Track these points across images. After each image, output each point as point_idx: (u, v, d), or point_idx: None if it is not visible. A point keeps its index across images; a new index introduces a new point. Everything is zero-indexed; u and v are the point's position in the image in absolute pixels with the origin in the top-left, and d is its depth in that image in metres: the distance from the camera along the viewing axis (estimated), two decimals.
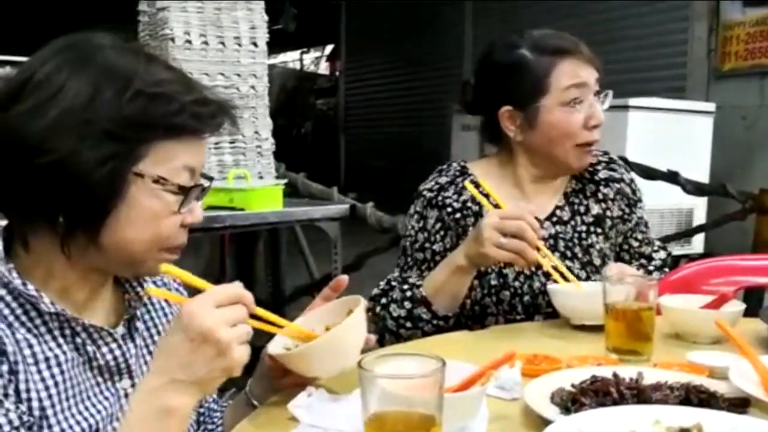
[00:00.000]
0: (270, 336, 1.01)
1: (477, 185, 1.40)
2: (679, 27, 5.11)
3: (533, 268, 1.46)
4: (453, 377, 0.91)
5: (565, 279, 1.37)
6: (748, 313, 1.30)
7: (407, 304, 1.41)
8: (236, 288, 0.84)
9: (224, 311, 0.81)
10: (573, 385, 0.95)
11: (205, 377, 0.81)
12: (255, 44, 2.78)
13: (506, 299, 1.47)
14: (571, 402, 0.91)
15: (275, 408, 0.98)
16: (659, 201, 4.10)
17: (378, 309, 1.45)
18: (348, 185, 7.62)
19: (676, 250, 4.16)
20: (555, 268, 1.37)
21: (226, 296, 0.82)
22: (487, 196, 1.36)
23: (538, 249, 1.31)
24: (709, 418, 0.79)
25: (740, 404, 0.89)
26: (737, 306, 1.28)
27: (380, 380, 0.75)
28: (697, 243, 4.39)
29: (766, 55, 4.51)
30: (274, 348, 1.01)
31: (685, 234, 4.10)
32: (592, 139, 1.46)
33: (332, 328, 0.97)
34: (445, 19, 7.67)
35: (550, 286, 1.37)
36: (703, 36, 4.94)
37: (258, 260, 3.55)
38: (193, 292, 0.86)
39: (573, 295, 1.35)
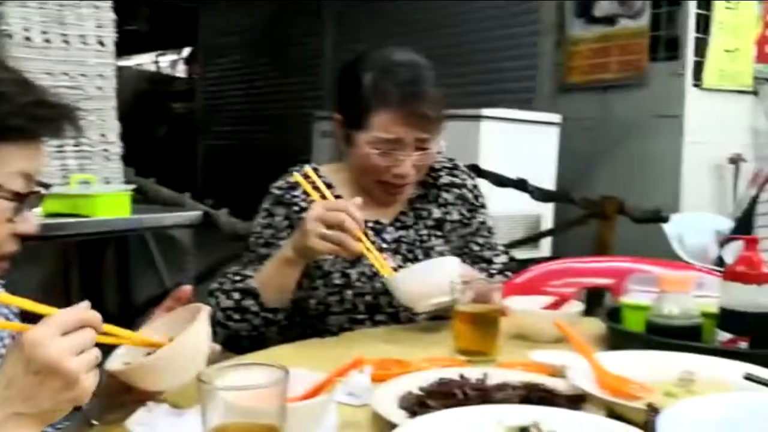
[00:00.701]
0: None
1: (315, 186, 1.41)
2: (528, 41, 5.34)
3: (374, 269, 1.48)
4: (301, 386, 0.90)
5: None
6: (590, 313, 1.37)
7: (236, 295, 1.40)
8: (82, 310, 0.78)
9: (70, 338, 0.75)
10: (420, 388, 0.96)
11: (51, 409, 0.75)
12: (102, 43, 2.65)
13: (349, 298, 1.48)
14: (418, 405, 0.91)
15: (114, 427, 0.92)
16: (509, 207, 4.27)
17: (212, 302, 1.42)
18: (206, 191, 7.42)
19: (526, 254, 4.34)
20: (376, 260, 1.38)
21: (71, 321, 0.76)
22: (318, 190, 1.38)
23: (363, 242, 1.32)
24: (547, 415, 0.82)
25: (577, 400, 0.93)
26: (576, 306, 1.35)
27: (221, 393, 0.72)
28: (545, 247, 4.61)
29: (606, 70, 4.80)
30: (112, 364, 0.95)
31: (534, 239, 4.29)
32: (396, 183, 1.49)
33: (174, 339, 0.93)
34: (305, 26, 7.65)
35: (386, 278, 1.38)
36: (550, 50, 5.19)
37: (106, 271, 3.37)
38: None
39: (411, 278, 1.34)
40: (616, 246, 3.62)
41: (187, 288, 1.04)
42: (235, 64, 9.41)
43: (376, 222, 1.54)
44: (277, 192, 1.53)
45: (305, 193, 1.50)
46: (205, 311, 0.96)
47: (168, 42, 12.34)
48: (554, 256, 4.25)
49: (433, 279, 1.28)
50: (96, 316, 0.79)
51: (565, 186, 4.30)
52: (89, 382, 0.76)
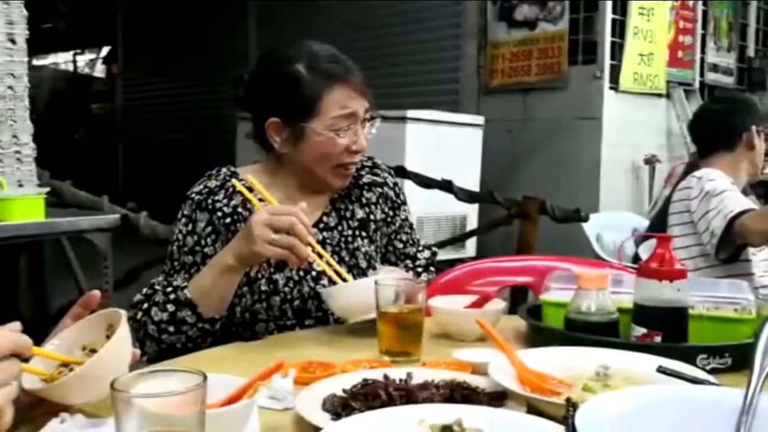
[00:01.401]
0: None
1: (250, 189, 1.38)
2: (452, 44, 5.42)
3: (302, 273, 1.46)
4: (222, 391, 0.88)
5: (339, 275, 1.38)
6: (514, 311, 1.40)
7: (170, 307, 1.35)
8: (14, 338, 0.74)
9: None
10: (344, 390, 0.95)
11: None
12: (13, 41, 2.55)
13: (276, 305, 1.46)
14: (341, 407, 0.91)
15: None
16: (435, 208, 4.32)
17: (139, 315, 1.37)
18: (127, 194, 7.23)
19: (452, 254, 4.40)
20: (329, 265, 1.38)
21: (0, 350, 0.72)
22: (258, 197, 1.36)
23: (313, 247, 1.31)
24: (469, 413, 0.82)
25: (498, 397, 0.94)
26: (498, 304, 1.37)
27: (135, 401, 0.70)
28: (471, 247, 4.68)
29: (527, 73, 4.91)
30: (28, 381, 0.91)
31: (459, 239, 4.35)
32: (352, 162, 1.50)
33: (96, 351, 0.89)
34: (229, 25, 7.56)
35: (322, 290, 1.38)
36: (473, 53, 5.27)
37: (20, 276, 3.24)
38: None
39: (347, 292, 1.35)
40: (539, 245, 3.70)
41: (96, 294, 1.00)
42: (156, 63, 9.21)
43: None
44: (197, 197, 1.49)
45: (228, 197, 1.47)
46: (124, 318, 0.93)
47: (87, 40, 11.99)
48: (479, 256, 4.32)
49: (372, 296, 1.26)
50: (26, 342, 0.74)
51: (490, 187, 4.38)
52: (8, 416, 0.71)
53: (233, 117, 5.26)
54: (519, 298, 2.55)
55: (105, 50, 12.30)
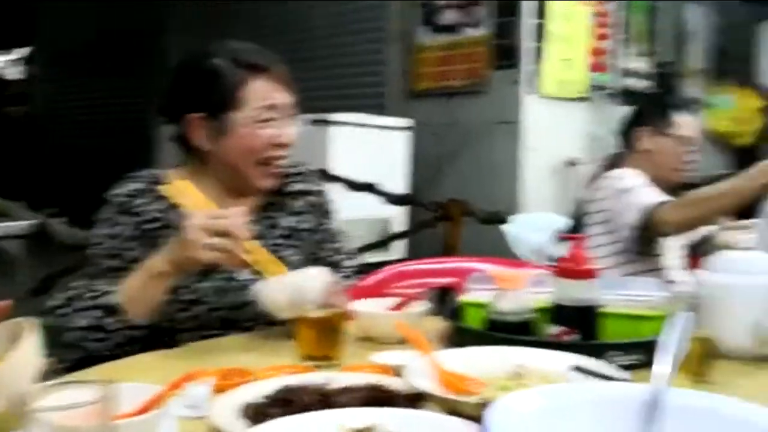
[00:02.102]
0: None
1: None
2: (376, 48, 5.43)
3: (228, 283, 1.44)
4: (135, 401, 0.86)
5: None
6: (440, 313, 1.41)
7: (96, 313, 1.31)
8: None
9: None
10: (262, 397, 0.94)
11: None
12: None
13: (200, 314, 1.43)
14: (258, 414, 0.90)
15: None
16: (361, 212, 4.31)
17: (57, 321, 1.33)
18: (46, 200, 6.99)
19: (378, 257, 4.41)
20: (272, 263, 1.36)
21: None
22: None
23: (250, 251, 1.30)
24: (386, 416, 0.82)
25: (416, 399, 0.95)
26: (420, 307, 1.38)
27: (40, 414, 0.67)
28: (397, 250, 4.70)
29: (452, 76, 4.96)
30: None
31: (385, 242, 4.36)
32: (276, 155, 1.48)
33: None
34: (147, 29, 7.40)
35: (256, 285, 1.36)
36: (398, 57, 5.30)
37: None
38: None
39: (283, 285, 1.32)
40: (463, 247, 3.74)
41: (2, 303, 0.96)
42: (75, 65, 8.94)
43: None
44: (118, 200, 1.45)
45: (151, 200, 1.44)
46: (33, 327, 0.89)
47: (4, 41, 11.56)
48: (407, 258, 4.34)
49: (305, 290, 1.26)
50: None
51: (417, 189, 4.40)
52: None
53: (155, 120, 5.16)
54: (444, 300, 2.57)
55: (23, 51, 11.88)
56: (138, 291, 1.31)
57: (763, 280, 1.22)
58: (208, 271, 1.44)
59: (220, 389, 1.00)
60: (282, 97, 1.46)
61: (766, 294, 1.19)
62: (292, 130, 1.48)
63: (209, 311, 1.43)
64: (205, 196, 1.47)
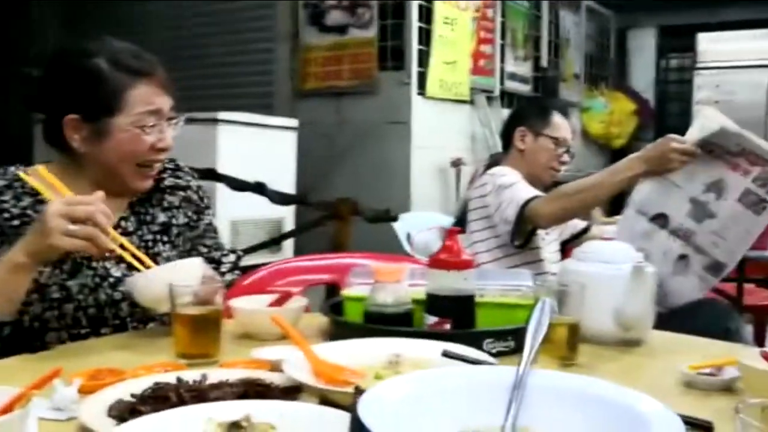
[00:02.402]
0: None
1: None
2: (264, 47, 5.39)
3: (98, 279, 1.40)
4: None
5: (144, 265, 1.33)
6: None
7: None
8: None
9: None
10: (132, 395, 0.92)
11: None
12: None
13: (69, 313, 1.38)
14: (129, 412, 0.88)
15: None
16: (250, 212, 4.27)
17: None
18: None
19: (268, 257, 4.37)
20: (134, 256, 1.32)
21: None
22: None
23: (115, 238, 1.26)
24: (259, 408, 0.82)
25: (292, 391, 0.95)
26: (299, 302, 1.38)
27: None
28: (288, 249, 4.67)
29: (340, 77, 4.99)
30: None
31: (275, 241, 4.33)
32: (157, 160, 1.47)
33: None
34: (27, 23, 7.04)
35: (128, 279, 1.32)
36: (286, 57, 5.28)
37: None
38: None
39: (158, 276, 1.29)
40: (353, 245, 3.77)
41: None
42: None
43: None
44: None
45: (17, 198, 1.39)
46: None
47: None
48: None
49: (180, 281, 1.24)
50: None
51: (306, 189, 4.39)
52: None
53: (30, 117, 4.91)
54: (333, 296, 2.58)
55: None
56: None
57: (623, 269, 1.29)
58: (77, 268, 1.40)
59: (89, 390, 0.97)
60: (163, 101, 1.44)
61: (626, 282, 1.27)
62: (171, 134, 1.46)
63: (77, 309, 1.38)
64: (76, 193, 1.43)
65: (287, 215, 4.67)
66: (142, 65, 1.42)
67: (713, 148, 1.90)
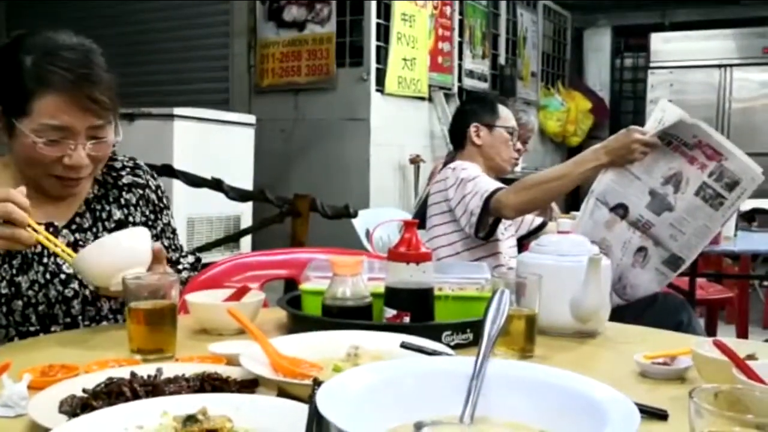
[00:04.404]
0: None
1: None
2: (221, 42, 5.34)
3: (48, 276, 1.37)
4: None
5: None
6: None
7: None
8: None
9: None
10: (84, 390, 0.90)
11: None
12: None
13: (18, 309, 1.34)
14: (81, 408, 0.86)
15: None
16: (207, 209, 4.22)
17: None
18: None
19: (226, 254, 4.33)
20: (56, 246, 1.28)
21: None
22: None
23: (36, 230, 1.22)
24: (215, 401, 0.81)
25: (249, 385, 0.94)
26: (256, 296, 1.37)
27: None
28: (245, 246, 4.64)
29: (298, 73, 4.96)
30: None
31: (233, 238, 4.30)
32: (68, 176, 1.37)
33: None
34: None
35: (77, 258, 1.26)
36: (243, 53, 5.23)
37: None
38: None
39: (103, 251, 1.24)
40: (311, 241, 3.76)
41: None
42: None
43: (49, 224, 1.41)
44: None
45: None
46: None
47: None
48: None
49: (126, 248, 1.21)
50: None
51: (263, 186, 4.37)
52: None
53: None
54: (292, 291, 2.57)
55: None
56: None
57: (580, 261, 1.30)
58: (28, 263, 1.36)
59: (40, 386, 0.95)
60: (73, 120, 1.32)
61: (582, 274, 1.28)
62: (82, 153, 1.34)
63: (26, 306, 1.35)
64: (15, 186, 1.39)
65: (244, 212, 4.63)
66: (60, 77, 1.31)
67: (671, 140, 1.93)
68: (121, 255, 1.22)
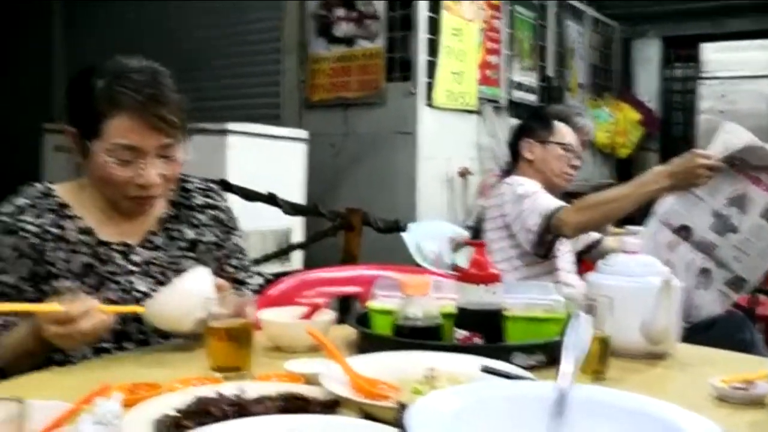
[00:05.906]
0: None
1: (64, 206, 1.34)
2: (272, 58, 5.41)
3: (122, 294, 1.42)
4: (44, 418, 0.83)
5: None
6: (342, 321, 1.42)
7: None
8: None
9: None
10: (176, 410, 0.93)
11: None
12: None
13: None
14: (174, 427, 0.89)
15: None
16: (260, 222, 4.27)
17: None
18: None
19: (278, 267, 4.38)
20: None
21: None
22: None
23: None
24: (303, 423, 0.83)
25: (331, 405, 0.96)
26: (328, 315, 1.39)
27: None
28: (297, 260, 4.68)
29: (347, 88, 5.01)
30: None
31: (285, 252, 4.34)
32: (139, 195, 1.42)
33: None
34: (32, 29, 7.05)
35: (146, 307, 1.34)
36: (293, 68, 5.30)
37: None
38: None
39: (170, 299, 1.32)
40: (363, 255, 3.78)
41: None
42: None
43: (123, 244, 1.46)
44: (5, 219, 1.40)
45: (38, 215, 1.40)
46: None
47: None
48: (305, 268, 4.33)
49: (190, 292, 1.25)
50: None
51: (314, 200, 4.41)
52: None
53: (39, 128, 4.92)
54: (345, 308, 2.60)
55: None
56: (12, 360, 1.32)
57: (650, 282, 1.30)
58: (102, 282, 1.41)
59: (128, 404, 0.98)
60: (142, 139, 1.37)
61: (654, 296, 1.27)
62: (152, 172, 1.39)
63: None
64: (95, 208, 1.46)
65: (295, 226, 4.67)
66: (131, 98, 1.36)
67: (735, 162, 1.91)
68: (186, 300, 1.27)
